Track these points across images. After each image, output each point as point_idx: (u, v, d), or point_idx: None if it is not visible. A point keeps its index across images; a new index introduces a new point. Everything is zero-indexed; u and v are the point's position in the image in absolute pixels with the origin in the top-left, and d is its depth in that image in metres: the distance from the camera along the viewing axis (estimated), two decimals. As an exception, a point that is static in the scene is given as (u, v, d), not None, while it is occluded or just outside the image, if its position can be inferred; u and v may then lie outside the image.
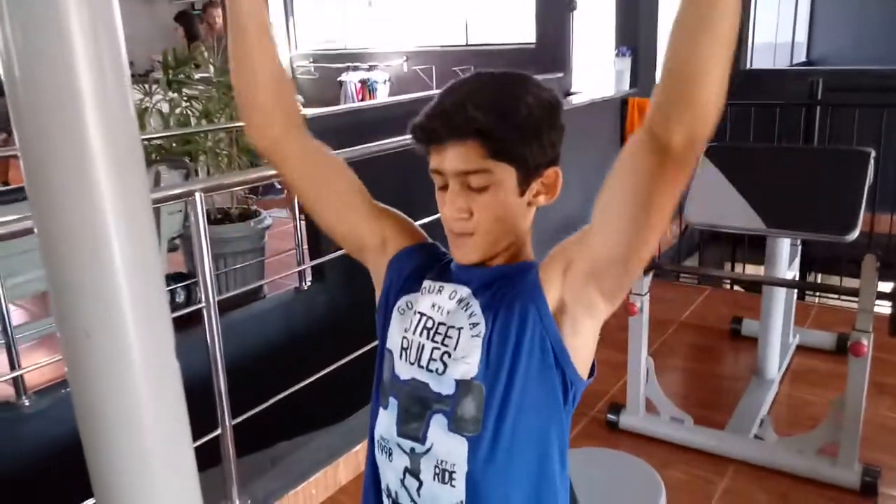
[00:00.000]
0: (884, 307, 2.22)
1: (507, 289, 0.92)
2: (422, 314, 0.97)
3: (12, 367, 2.48)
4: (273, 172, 2.77)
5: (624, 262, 0.82)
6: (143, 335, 0.53)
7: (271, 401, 2.22)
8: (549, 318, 0.89)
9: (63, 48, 0.46)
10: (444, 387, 0.92)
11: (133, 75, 0.57)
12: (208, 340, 1.95)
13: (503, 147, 0.87)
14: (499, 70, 0.93)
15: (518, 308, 0.90)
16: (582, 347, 0.91)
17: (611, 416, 2.62)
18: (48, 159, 0.49)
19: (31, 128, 0.49)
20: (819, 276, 5.66)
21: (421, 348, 0.95)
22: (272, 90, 0.98)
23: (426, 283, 0.99)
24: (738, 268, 4.89)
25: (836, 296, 4.24)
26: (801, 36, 7.93)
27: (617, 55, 4.45)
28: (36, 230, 0.52)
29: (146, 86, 3.78)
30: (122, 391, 0.53)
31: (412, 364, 0.95)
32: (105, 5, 0.48)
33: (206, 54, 3.87)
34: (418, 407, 0.93)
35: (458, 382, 0.91)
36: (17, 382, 2.53)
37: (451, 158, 0.88)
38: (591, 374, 0.94)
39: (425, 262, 1.02)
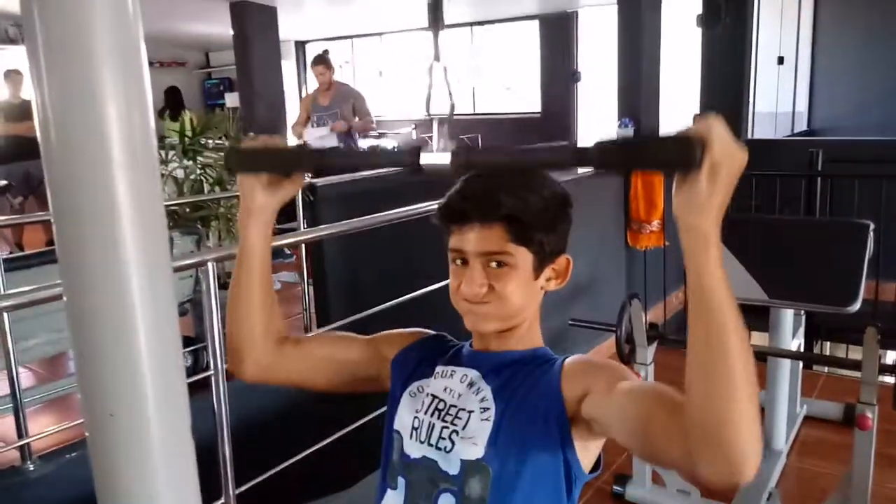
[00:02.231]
0: (890, 377, 2.21)
1: (522, 377, 0.96)
2: (434, 396, 1.00)
3: (19, 432, 2.49)
4: (284, 242, 2.84)
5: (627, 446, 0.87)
6: (162, 414, 0.56)
7: (275, 469, 2.21)
8: (564, 419, 0.91)
9: (97, 118, 0.49)
10: (452, 466, 0.94)
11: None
12: (215, 408, 1.96)
13: (525, 233, 0.93)
14: None
15: (533, 401, 0.93)
16: (590, 447, 0.95)
17: (617, 488, 2.60)
18: (81, 238, 0.52)
19: (66, 204, 0.51)
20: (827, 343, 5.63)
21: (431, 427, 0.98)
22: (264, 324, 1.02)
23: (439, 369, 1.03)
24: (745, 335, 4.87)
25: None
26: (802, 105, 8.09)
27: (619, 126, 4.57)
28: (66, 312, 0.55)
29: (163, 153, 3.89)
30: (142, 466, 0.56)
31: (422, 443, 0.98)
32: (137, 79, 0.51)
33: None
34: (428, 486, 0.96)
35: (465, 462, 0.93)
36: (23, 447, 2.53)
37: (475, 240, 0.94)
38: (595, 469, 0.97)
39: (435, 351, 1.06)
